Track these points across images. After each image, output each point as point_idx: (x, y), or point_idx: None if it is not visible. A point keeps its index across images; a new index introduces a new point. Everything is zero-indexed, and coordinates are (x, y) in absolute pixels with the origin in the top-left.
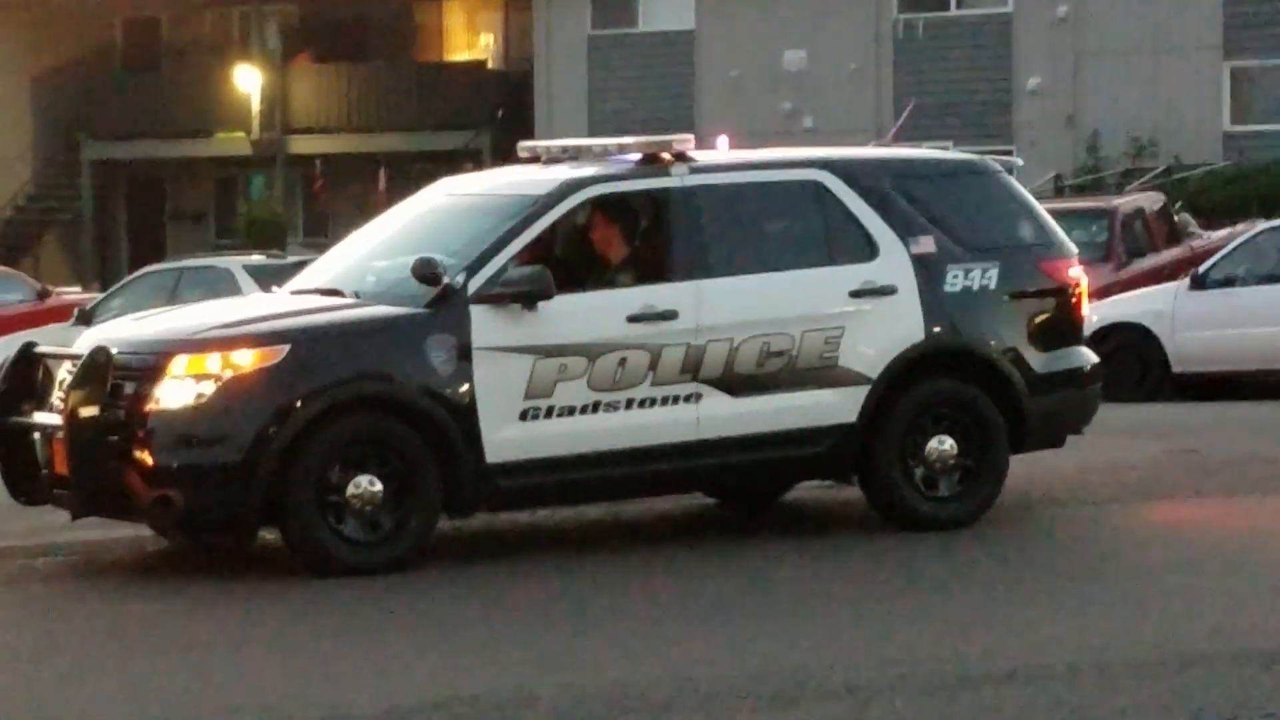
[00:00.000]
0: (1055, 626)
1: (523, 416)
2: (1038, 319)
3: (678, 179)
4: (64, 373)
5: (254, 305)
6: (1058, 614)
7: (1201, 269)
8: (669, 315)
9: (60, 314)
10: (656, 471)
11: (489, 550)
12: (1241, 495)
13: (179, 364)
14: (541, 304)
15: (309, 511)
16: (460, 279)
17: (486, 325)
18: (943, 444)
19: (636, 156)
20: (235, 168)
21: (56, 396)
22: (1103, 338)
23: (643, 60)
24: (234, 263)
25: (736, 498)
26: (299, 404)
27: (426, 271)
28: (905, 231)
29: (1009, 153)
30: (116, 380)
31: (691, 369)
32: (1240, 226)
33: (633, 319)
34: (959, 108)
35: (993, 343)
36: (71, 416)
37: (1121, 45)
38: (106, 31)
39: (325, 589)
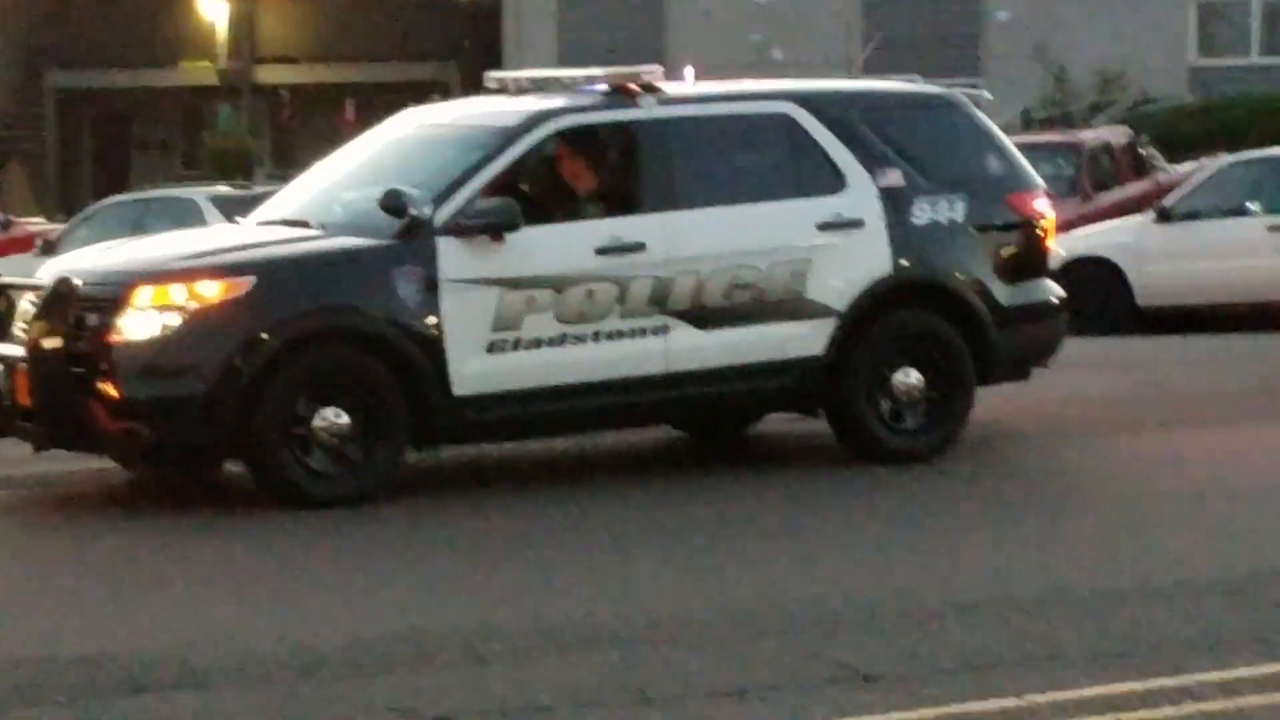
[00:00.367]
0: (1020, 558)
1: (490, 349)
2: (1004, 252)
3: (646, 111)
4: (27, 304)
5: (219, 236)
6: (1023, 546)
7: (1167, 202)
8: (637, 247)
9: (24, 244)
10: (624, 404)
11: (456, 483)
12: (1204, 427)
13: (143, 295)
14: (509, 236)
15: (275, 444)
16: (427, 211)
17: (453, 257)
18: (909, 377)
19: (605, 88)
20: (201, 97)
21: (19, 327)
22: (1068, 271)
23: None
24: (200, 193)
25: (704, 430)
26: (265, 335)
27: (393, 203)
28: (872, 164)
29: (977, 86)
30: (80, 311)
31: (659, 301)
32: (1205, 160)
33: (600, 251)
34: (928, 40)
35: (959, 276)
36: (35, 348)
37: None
38: None
39: (291, 521)
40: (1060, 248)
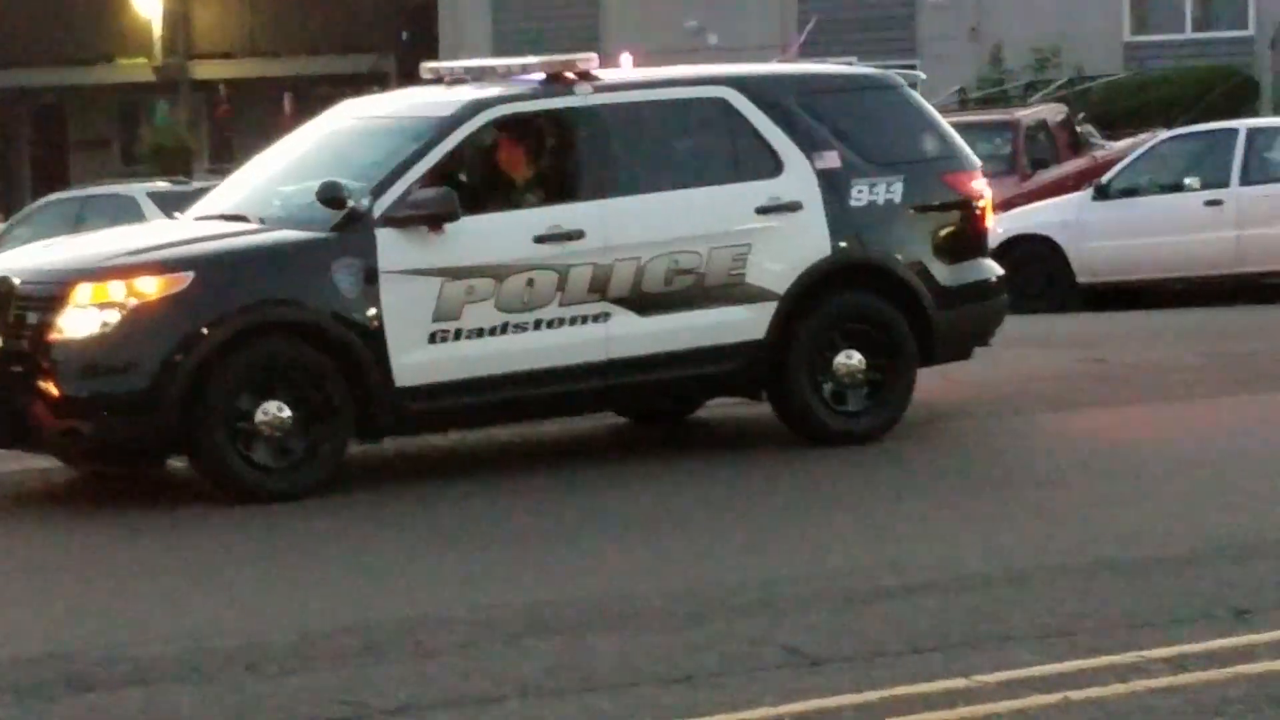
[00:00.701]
0: (967, 537)
1: (431, 339)
2: (943, 232)
3: (582, 98)
4: None
5: (158, 232)
6: (969, 525)
7: (1104, 179)
8: (576, 235)
9: None
10: (567, 392)
11: (400, 474)
12: (1148, 403)
13: (83, 293)
14: (448, 226)
15: (218, 439)
16: (365, 202)
17: (393, 248)
18: (851, 359)
19: (540, 76)
20: (139, 94)
21: None
22: (1008, 249)
23: None
24: (139, 190)
25: (647, 416)
26: (205, 331)
27: (331, 195)
28: (810, 147)
29: (912, 66)
30: (20, 310)
31: (599, 288)
32: (1142, 136)
33: (540, 239)
34: (863, 22)
35: (898, 256)
36: None
37: None
38: None
39: (236, 516)
40: (999, 226)
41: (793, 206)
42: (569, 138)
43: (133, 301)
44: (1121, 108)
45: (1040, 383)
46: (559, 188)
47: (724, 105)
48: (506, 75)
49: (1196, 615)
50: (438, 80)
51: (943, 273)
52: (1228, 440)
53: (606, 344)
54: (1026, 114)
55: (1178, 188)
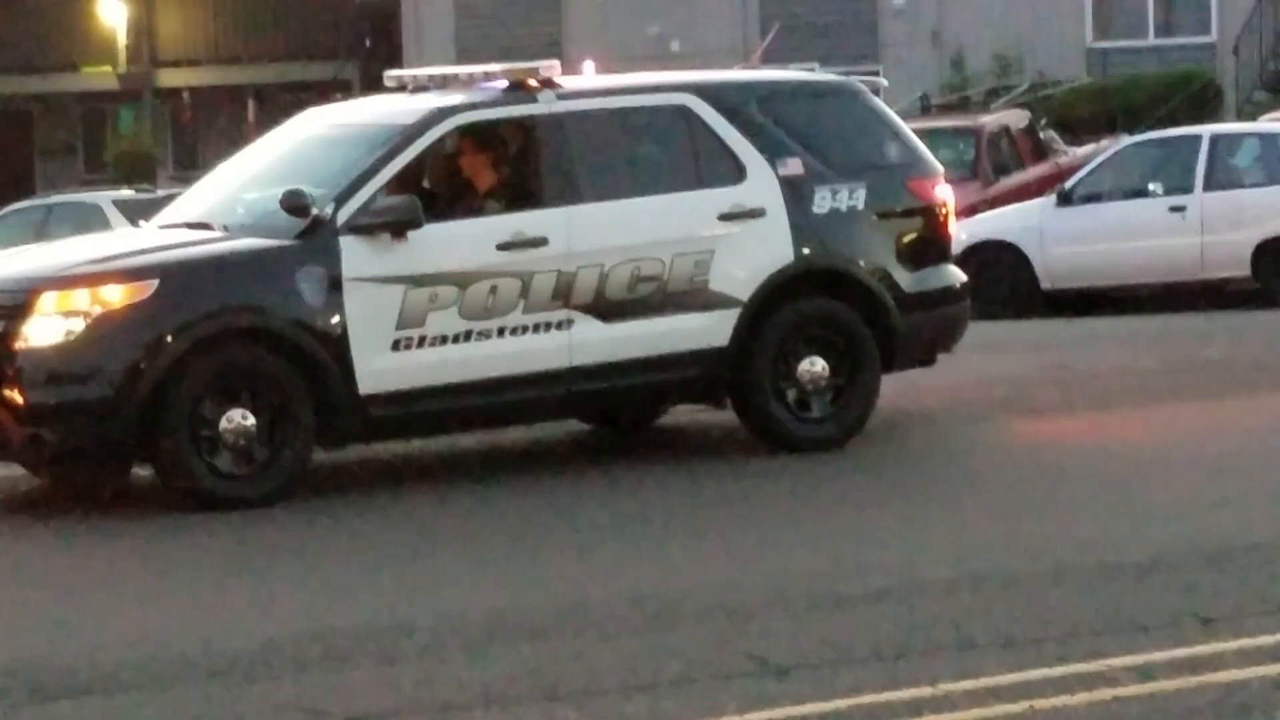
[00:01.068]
0: (930, 543)
1: (395, 346)
2: (906, 238)
3: (545, 105)
4: None
5: (122, 240)
6: (933, 531)
7: (1067, 185)
8: (539, 242)
9: None
10: (530, 399)
11: (364, 481)
12: (1111, 409)
13: (47, 301)
14: (411, 233)
15: (182, 446)
16: (329, 210)
17: (356, 256)
18: (814, 365)
19: (503, 84)
20: (103, 102)
21: None
22: (971, 255)
23: None
24: (103, 198)
25: (611, 423)
26: (169, 338)
27: (295, 203)
28: (772, 154)
29: (875, 73)
30: None
31: (563, 295)
32: (1104, 142)
33: (503, 246)
34: (825, 29)
35: (862, 263)
36: None
37: None
38: None
39: (199, 523)
40: (962, 232)
41: (755, 213)
42: (532, 145)
43: (97, 309)
44: (1084, 113)
45: (1003, 388)
46: (522, 195)
47: (686, 112)
48: (469, 83)
49: (1162, 623)
50: (401, 88)
51: (906, 279)
52: (1191, 446)
53: (570, 351)
54: (989, 120)
55: (1141, 194)
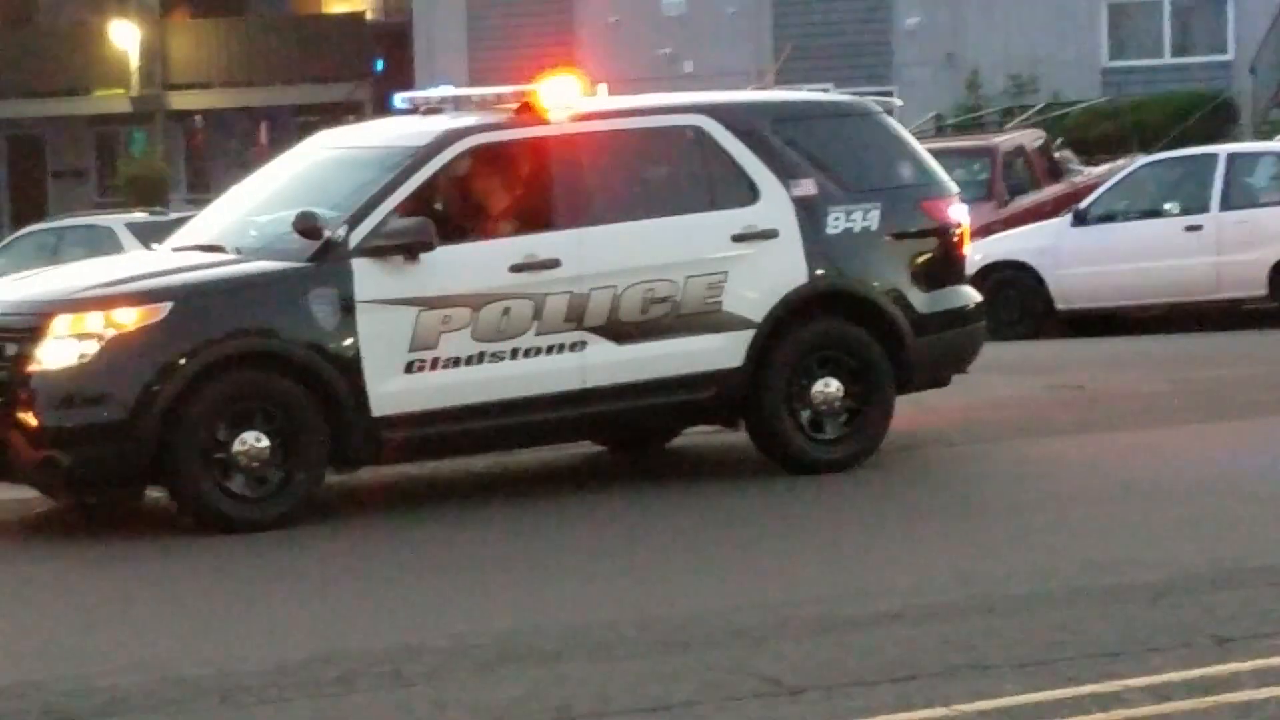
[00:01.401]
0: (941, 566)
1: (408, 369)
2: (920, 259)
3: (557, 127)
4: None
5: (135, 263)
6: (944, 553)
7: (1082, 205)
8: (551, 264)
9: None
10: (543, 421)
11: (377, 504)
12: (1124, 430)
13: (61, 324)
14: (424, 255)
15: (195, 469)
16: (342, 232)
17: (369, 278)
18: (828, 386)
19: (515, 105)
20: (115, 124)
21: None
22: (985, 276)
23: (521, 8)
24: (116, 221)
25: (624, 445)
26: (182, 361)
27: (307, 225)
28: (786, 175)
29: (889, 93)
30: None
31: (575, 317)
32: (1120, 162)
33: (515, 268)
34: (839, 49)
35: (876, 284)
36: None
37: None
38: None
39: (213, 546)
40: (976, 253)
41: (769, 234)
42: (544, 167)
43: (110, 332)
44: (1099, 133)
45: (1017, 410)
46: (534, 217)
47: (699, 133)
48: (482, 105)
49: (1177, 643)
50: (413, 110)
51: (920, 300)
52: (1204, 467)
53: (582, 373)
54: (1003, 140)
55: (1157, 213)
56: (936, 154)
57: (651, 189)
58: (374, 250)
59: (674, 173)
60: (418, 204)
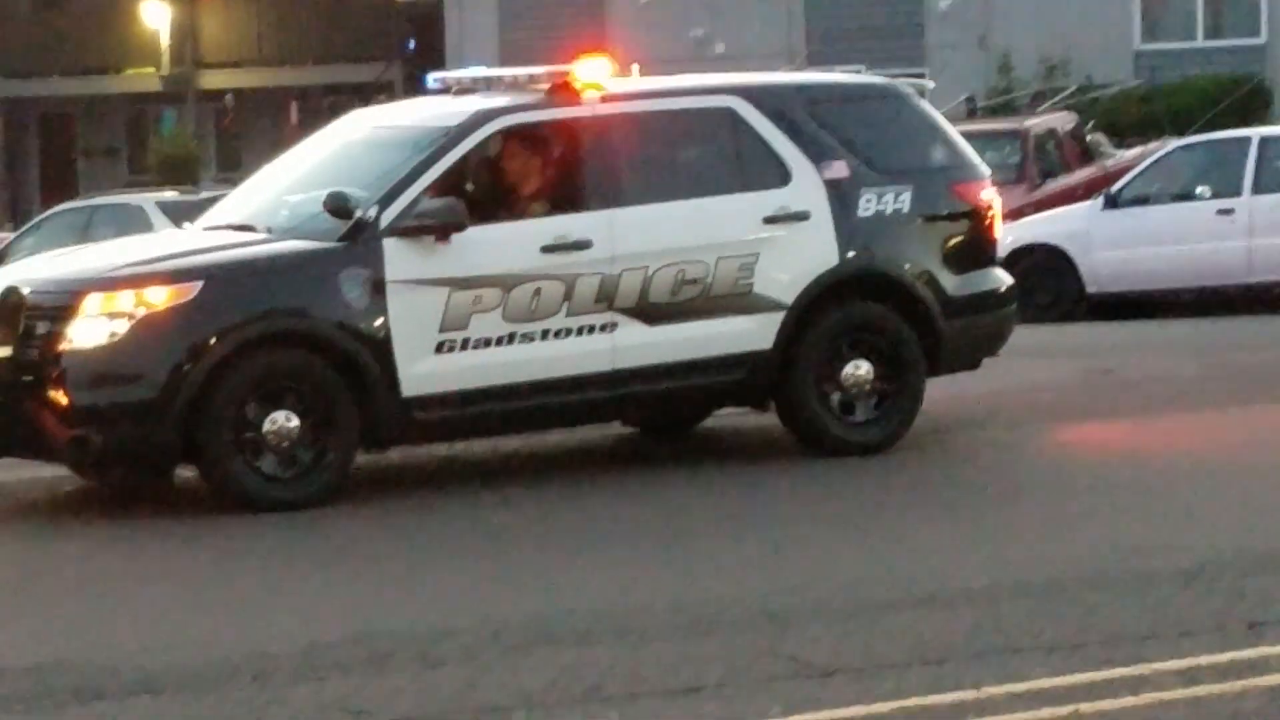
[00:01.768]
0: (973, 550)
1: (438, 349)
2: (951, 242)
3: (589, 108)
4: None
5: (166, 242)
6: (975, 537)
7: (1114, 188)
8: (583, 245)
9: None
10: (573, 402)
11: (407, 484)
12: (1156, 415)
13: (92, 303)
14: (455, 236)
15: (226, 448)
16: (373, 212)
17: (400, 258)
18: (859, 369)
19: (547, 86)
20: (146, 104)
21: None
22: (1017, 259)
23: None
24: (147, 200)
25: (654, 426)
26: (213, 341)
27: (339, 205)
28: (818, 156)
29: (921, 75)
30: (30, 320)
31: (606, 298)
32: (1152, 145)
33: (546, 249)
34: (871, 31)
35: (907, 266)
36: None
37: None
38: None
39: (242, 526)
40: (1008, 235)
41: (800, 216)
42: (576, 148)
43: (141, 311)
44: (1131, 116)
45: (1048, 393)
46: (566, 198)
47: (731, 115)
48: (513, 85)
49: (1207, 627)
50: (445, 90)
51: (951, 282)
52: (1235, 451)
53: (613, 354)
54: (1035, 123)
55: (1189, 197)
56: (968, 136)
57: (683, 170)
58: (405, 230)
59: (705, 154)
60: (449, 184)
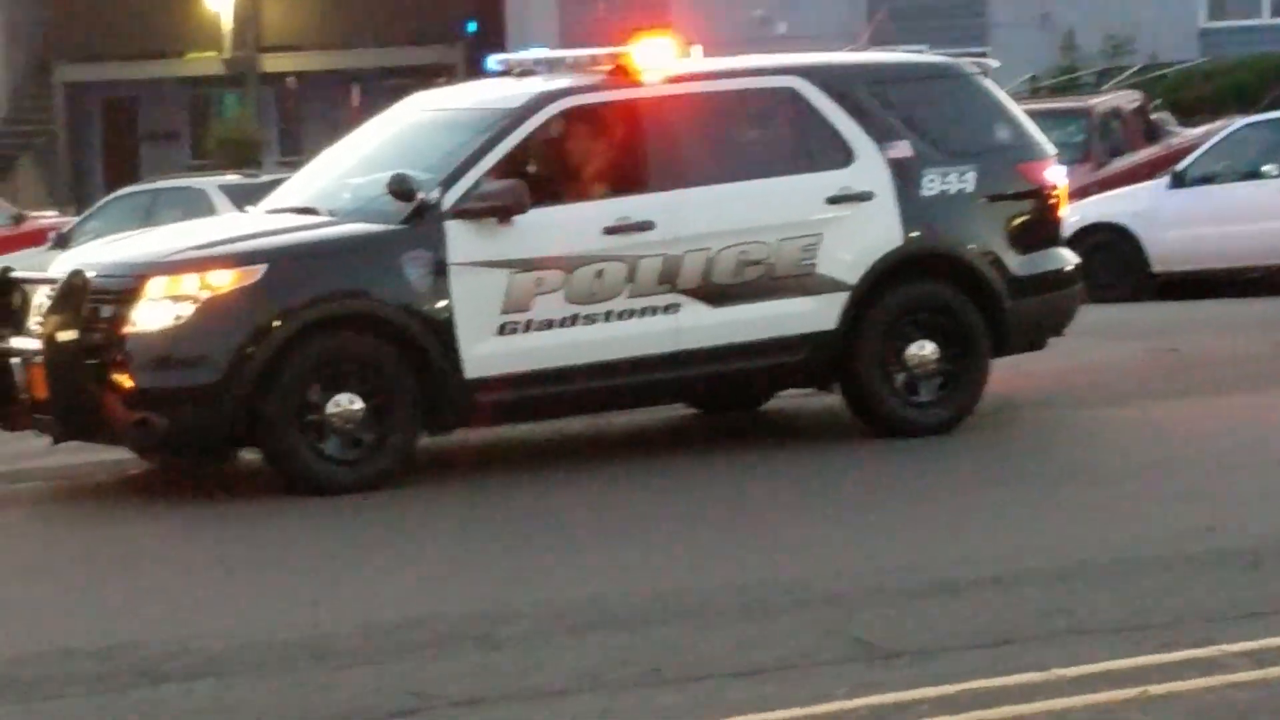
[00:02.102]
0: (1037, 530)
1: (500, 331)
2: (1016, 221)
3: (651, 89)
4: (41, 297)
5: (230, 225)
6: (1040, 518)
7: (1180, 167)
8: (645, 226)
9: (36, 238)
10: (636, 383)
11: (470, 466)
12: (1222, 394)
13: (156, 286)
14: (517, 218)
15: (289, 431)
16: (435, 194)
17: (462, 240)
18: (923, 349)
19: (609, 67)
20: (208, 87)
21: (34, 321)
22: (1082, 238)
23: None
24: (209, 183)
25: (717, 408)
26: (276, 324)
27: (401, 188)
28: (881, 136)
29: (984, 54)
30: (94, 304)
31: (669, 280)
32: (1218, 123)
33: (609, 230)
34: (934, 10)
35: (971, 246)
36: (50, 341)
37: None
38: None
39: (305, 508)
40: (1073, 215)
41: (864, 196)
42: (638, 129)
43: (205, 294)
44: (1196, 94)
45: (1113, 373)
46: (628, 179)
47: (794, 95)
48: (575, 66)
49: (1276, 609)
50: (506, 72)
51: (1016, 262)
52: None
53: (676, 335)
54: (1100, 101)
55: (1255, 175)
56: (1032, 115)
57: (745, 151)
58: (467, 212)
59: (768, 135)
60: (511, 166)
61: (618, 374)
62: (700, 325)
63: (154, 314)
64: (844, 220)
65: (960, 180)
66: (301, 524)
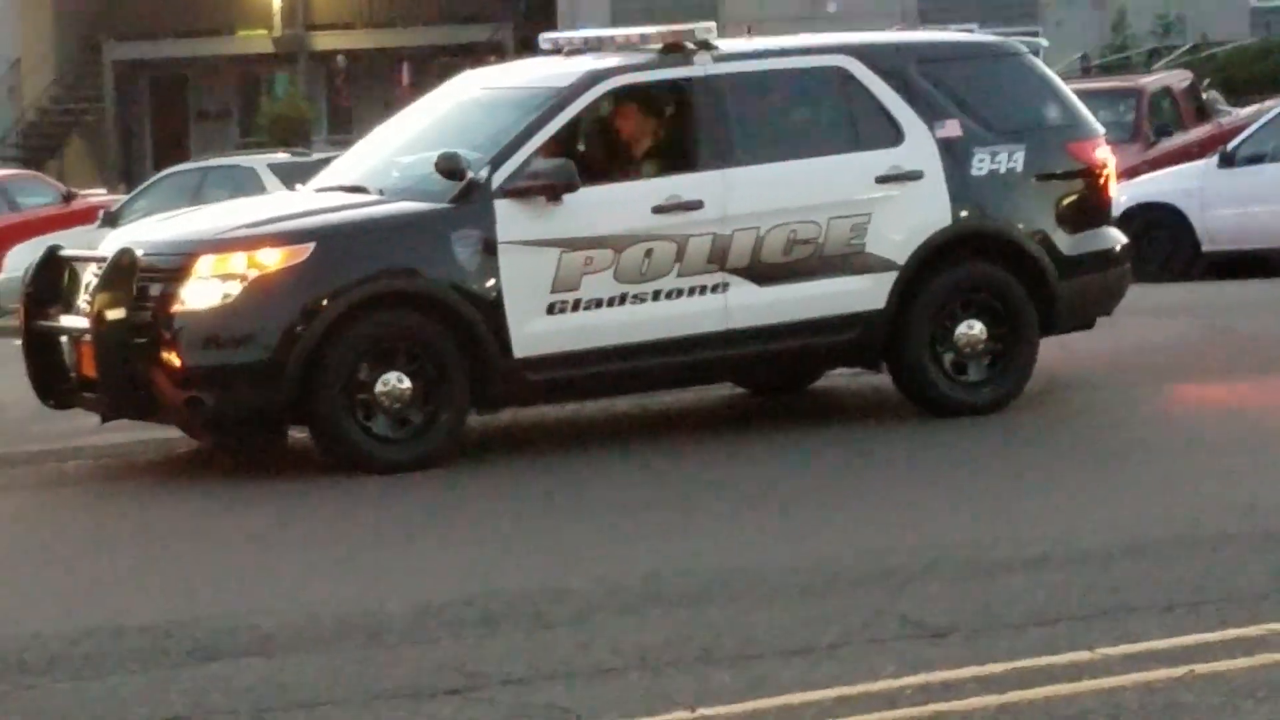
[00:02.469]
0: (1088, 510)
1: (550, 310)
2: (1065, 200)
3: (701, 68)
4: (90, 275)
5: (279, 204)
6: (1090, 497)
7: (1230, 146)
8: (694, 205)
9: (86, 216)
10: (685, 362)
11: (518, 445)
12: (1273, 373)
13: (205, 264)
14: (566, 196)
15: (338, 410)
16: (484, 173)
17: (511, 219)
18: (972, 329)
19: (659, 46)
20: (258, 65)
21: (83, 299)
22: (1131, 218)
23: None
24: (258, 161)
25: (766, 387)
26: (325, 302)
27: (451, 166)
28: (930, 116)
29: (1034, 34)
30: (143, 282)
31: (718, 259)
32: (1269, 103)
33: (658, 210)
34: None
35: (1020, 226)
36: (98, 319)
37: None
38: None
39: (355, 487)
40: (1122, 194)
41: (913, 175)
42: (687, 108)
43: (254, 273)
44: (1247, 74)
45: (1163, 353)
46: (677, 158)
47: (844, 74)
48: (625, 45)
49: None
50: (556, 51)
51: (1065, 242)
52: None
53: (725, 314)
54: (1150, 81)
55: None
56: (1082, 95)
57: (795, 130)
58: (516, 191)
59: (818, 114)
60: (560, 145)
61: (666, 353)
62: (749, 304)
63: (203, 292)
64: (893, 199)
65: (1009, 160)
66: (351, 503)
